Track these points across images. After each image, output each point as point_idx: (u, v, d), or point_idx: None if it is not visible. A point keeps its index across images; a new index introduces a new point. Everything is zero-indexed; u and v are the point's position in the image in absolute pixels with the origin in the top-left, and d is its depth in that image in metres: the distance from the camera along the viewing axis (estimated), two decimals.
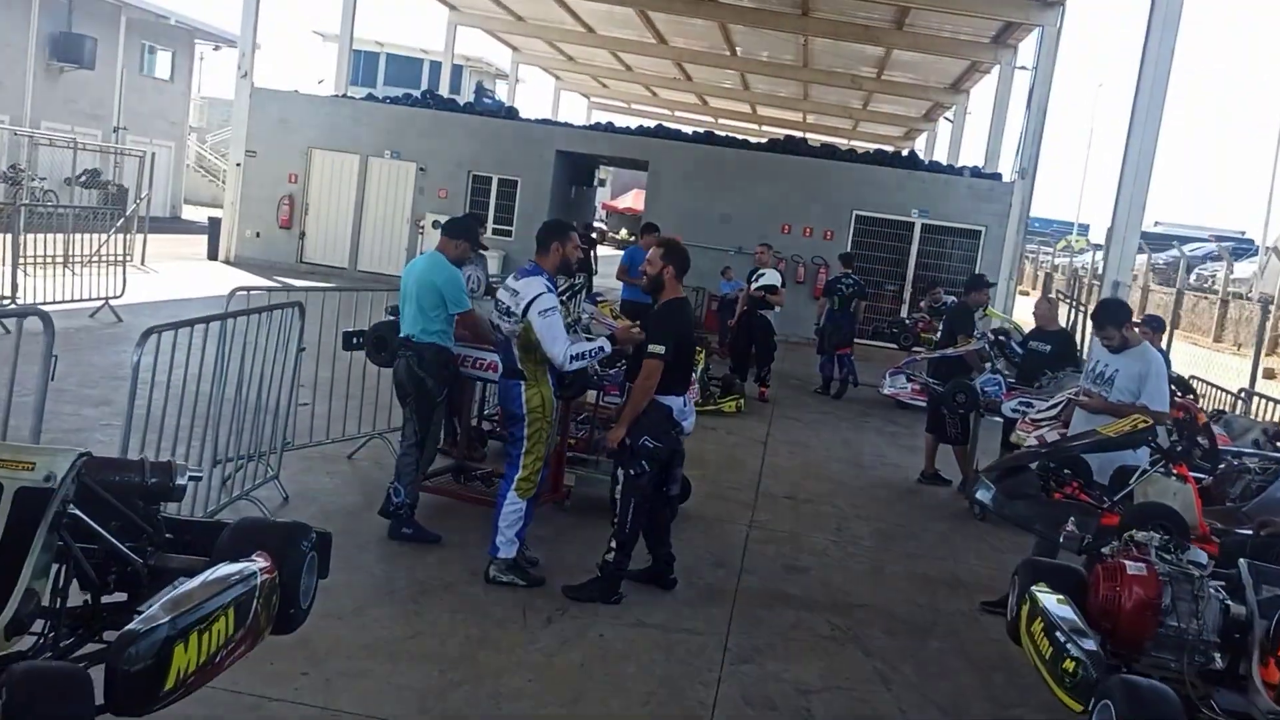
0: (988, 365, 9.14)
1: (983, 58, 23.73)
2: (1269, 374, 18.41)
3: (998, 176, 21.60)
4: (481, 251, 8.09)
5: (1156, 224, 46.48)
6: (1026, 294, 32.52)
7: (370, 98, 23.93)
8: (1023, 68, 24.32)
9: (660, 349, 5.67)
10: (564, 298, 7.05)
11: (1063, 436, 6.24)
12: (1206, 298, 26.21)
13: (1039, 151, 20.69)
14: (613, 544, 5.84)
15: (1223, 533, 4.92)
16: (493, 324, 6.01)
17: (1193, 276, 30.38)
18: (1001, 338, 9.05)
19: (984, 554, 7.69)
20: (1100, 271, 30.27)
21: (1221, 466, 6.04)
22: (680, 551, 6.23)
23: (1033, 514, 4.86)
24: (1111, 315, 6.34)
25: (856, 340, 18.34)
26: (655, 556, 6.09)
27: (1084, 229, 59.10)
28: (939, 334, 10.17)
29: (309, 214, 22.17)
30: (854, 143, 37.99)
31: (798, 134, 29.85)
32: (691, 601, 5.97)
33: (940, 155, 30.37)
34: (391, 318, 7.12)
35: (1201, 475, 5.18)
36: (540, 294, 5.71)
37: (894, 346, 14.56)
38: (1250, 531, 4.40)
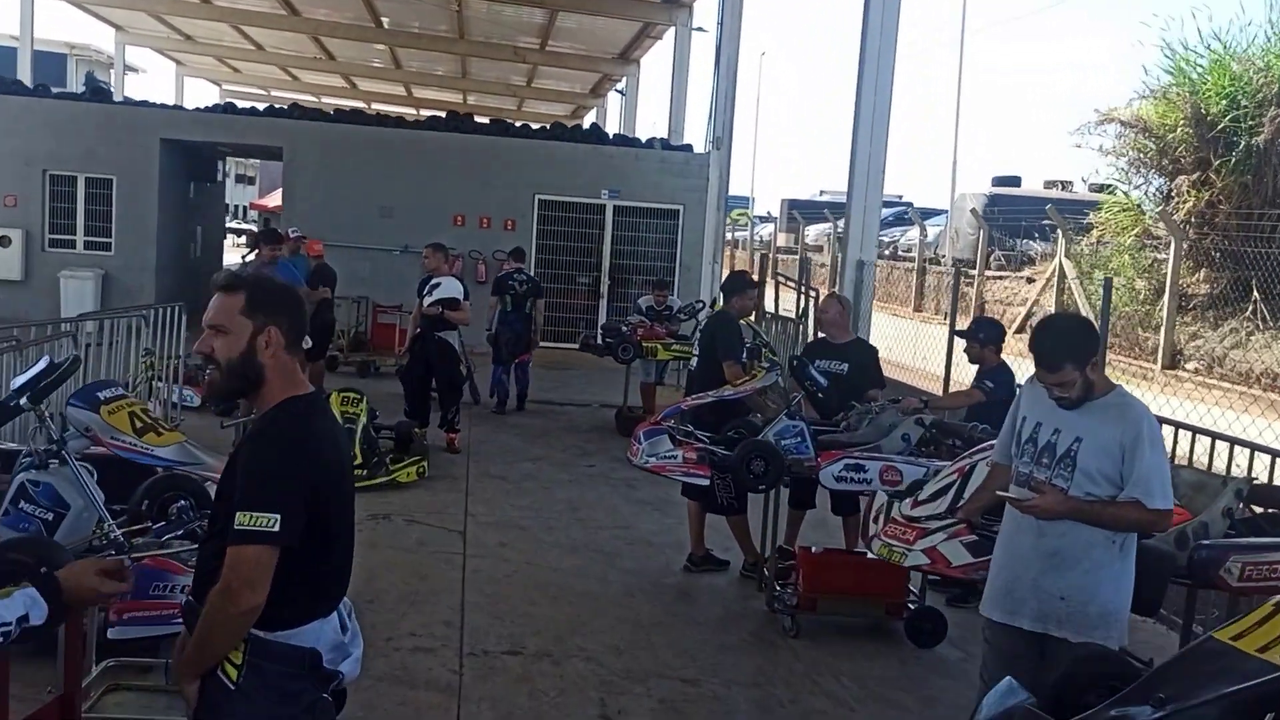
0: (773, 404, 6.36)
1: (655, 19, 21.46)
2: None
3: (689, 148, 19.34)
4: None
5: (822, 192, 47.04)
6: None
7: None
8: (700, 29, 22.36)
9: (267, 519, 2.37)
10: None
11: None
12: (898, 266, 25.40)
13: (733, 118, 18.60)
14: None
15: None
16: None
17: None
18: (797, 362, 6.29)
19: None
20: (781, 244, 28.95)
21: None
22: None
23: None
24: (1068, 345, 3.59)
25: (547, 345, 15.56)
26: None
27: (747, 202, 59.43)
28: (694, 358, 7.22)
29: None
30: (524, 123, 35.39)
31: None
32: None
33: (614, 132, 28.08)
34: None
35: None
36: None
37: (609, 358, 11.54)
38: None
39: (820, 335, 7.12)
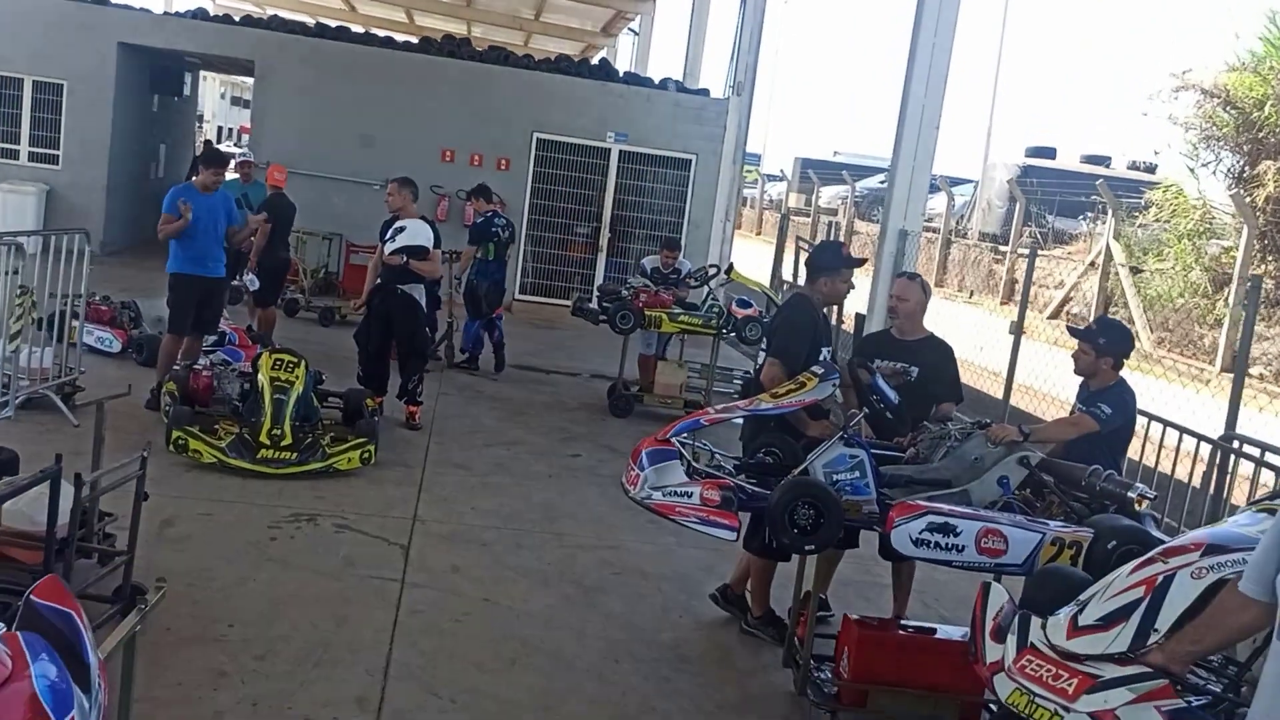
0: (830, 420, 4.78)
1: None
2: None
3: (705, 93, 17.59)
4: None
5: (836, 153, 45.22)
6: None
7: None
8: None
9: None
10: None
11: None
12: (924, 235, 23.69)
13: (757, 62, 16.89)
14: None
15: None
16: None
17: None
18: (864, 370, 4.71)
19: None
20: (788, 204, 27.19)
21: None
22: None
23: None
24: None
25: (537, 300, 14.16)
26: None
27: (755, 158, 57.19)
28: (762, 352, 5.41)
29: None
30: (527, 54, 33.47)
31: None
32: None
33: None
34: None
35: None
36: None
37: (606, 324, 9.85)
38: None
39: (886, 327, 5.49)
